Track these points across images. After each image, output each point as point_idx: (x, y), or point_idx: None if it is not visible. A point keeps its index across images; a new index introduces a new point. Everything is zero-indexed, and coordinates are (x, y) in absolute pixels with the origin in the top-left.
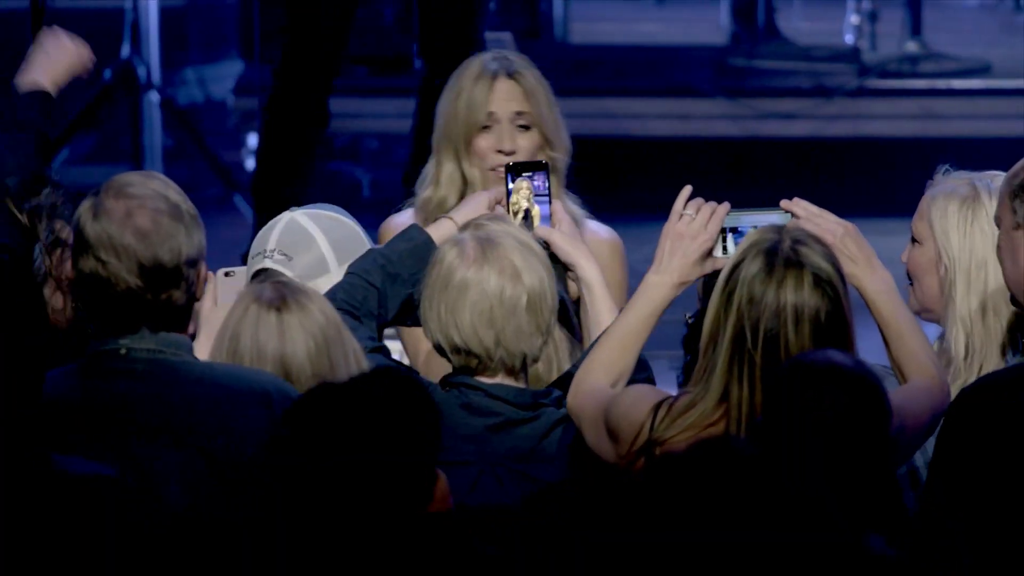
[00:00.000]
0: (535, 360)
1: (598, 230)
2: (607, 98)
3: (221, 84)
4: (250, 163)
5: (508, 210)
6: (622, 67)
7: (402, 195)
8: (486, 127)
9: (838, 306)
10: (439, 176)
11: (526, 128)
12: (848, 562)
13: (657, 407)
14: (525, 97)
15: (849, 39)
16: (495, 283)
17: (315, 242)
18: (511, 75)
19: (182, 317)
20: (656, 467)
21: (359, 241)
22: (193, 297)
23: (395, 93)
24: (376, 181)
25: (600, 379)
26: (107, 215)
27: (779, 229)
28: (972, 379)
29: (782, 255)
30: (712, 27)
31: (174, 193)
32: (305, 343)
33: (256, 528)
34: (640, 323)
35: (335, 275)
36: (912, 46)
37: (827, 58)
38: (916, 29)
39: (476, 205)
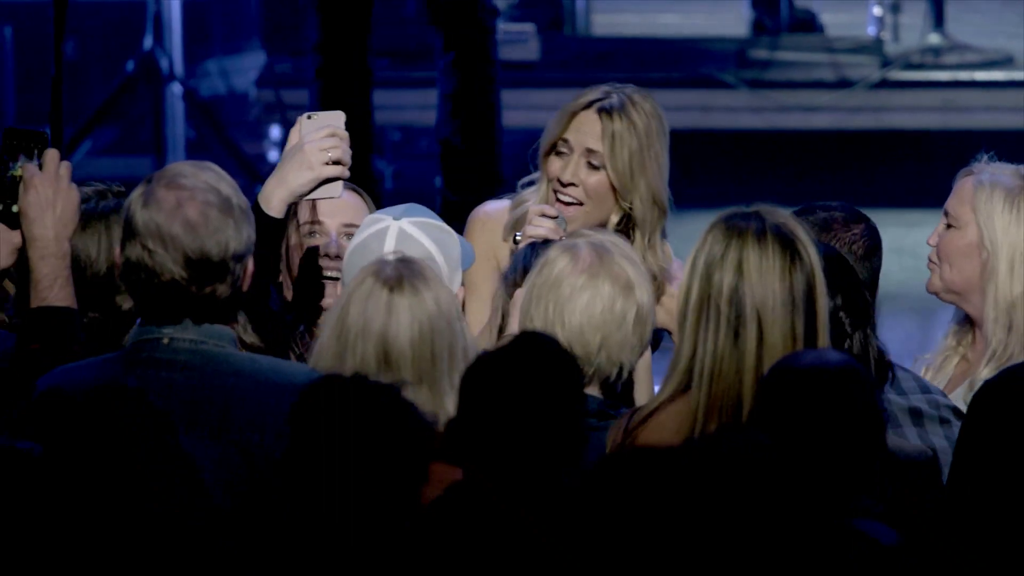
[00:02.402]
0: (629, 373)
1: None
2: None
3: (243, 76)
4: (273, 155)
5: None
6: (643, 59)
7: (423, 187)
8: (560, 152)
9: (803, 261)
10: (540, 182)
11: (597, 168)
12: (850, 551)
13: (629, 416)
14: (600, 137)
15: (872, 31)
16: (608, 292)
17: (431, 256)
18: (602, 112)
19: (226, 310)
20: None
21: (457, 246)
22: (239, 291)
23: (417, 85)
24: (399, 172)
25: None
26: (157, 204)
27: (740, 209)
28: (1012, 359)
29: (742, 217)
30: (734, 19)
31: (226, 186)
32: (410, 328)
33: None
34: None
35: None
36: (935, 38)
37: (850, 50)
38: (939, 21)
39: None
